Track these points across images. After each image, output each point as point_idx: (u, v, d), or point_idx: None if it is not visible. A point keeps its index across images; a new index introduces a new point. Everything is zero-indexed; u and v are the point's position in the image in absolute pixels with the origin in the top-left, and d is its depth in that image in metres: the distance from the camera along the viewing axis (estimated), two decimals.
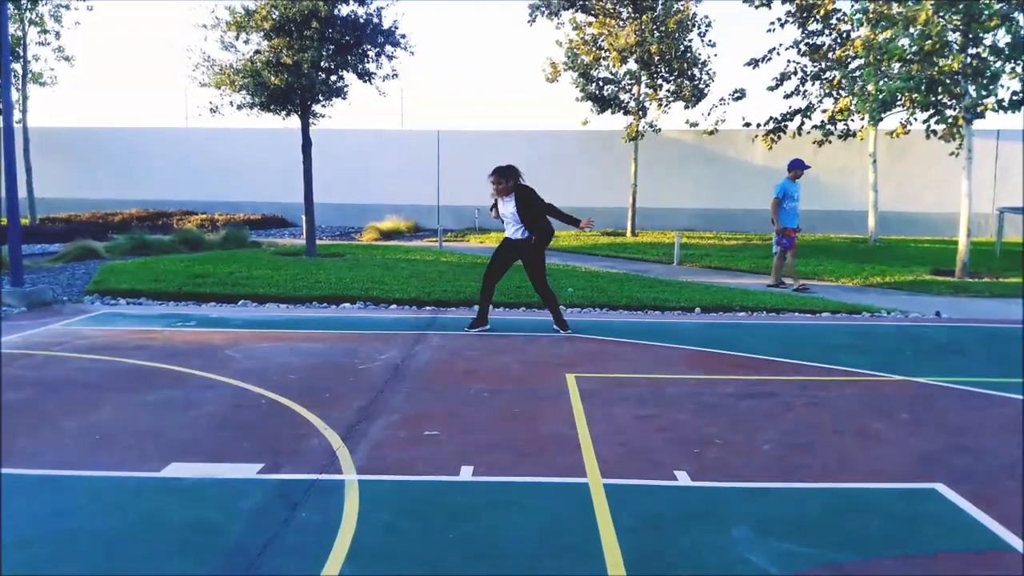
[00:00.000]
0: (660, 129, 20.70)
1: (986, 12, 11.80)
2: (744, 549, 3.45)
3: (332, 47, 13.97)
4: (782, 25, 18.82)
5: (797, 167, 12.24)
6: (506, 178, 8.15)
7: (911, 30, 12.28)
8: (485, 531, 3.63)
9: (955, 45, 12.47)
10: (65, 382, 6.20)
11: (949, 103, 13.79)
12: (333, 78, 14.45)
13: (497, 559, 3.35)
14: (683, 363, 7.13)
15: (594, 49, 20.16)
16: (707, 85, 20.09)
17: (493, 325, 8.55)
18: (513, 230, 8.26)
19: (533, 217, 8.16)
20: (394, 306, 10.01)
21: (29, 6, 18.92)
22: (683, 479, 4.27)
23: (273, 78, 13.40)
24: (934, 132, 15.41)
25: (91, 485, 4.15)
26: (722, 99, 20.20)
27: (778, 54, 19.18)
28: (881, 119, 16.44)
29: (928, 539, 3.59)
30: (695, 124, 20.48)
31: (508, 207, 8.20)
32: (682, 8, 19.34)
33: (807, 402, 5.84)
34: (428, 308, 9.90)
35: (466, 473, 4.33)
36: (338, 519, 3.71)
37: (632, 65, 19.91)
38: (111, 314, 9.31)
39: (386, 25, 14.31)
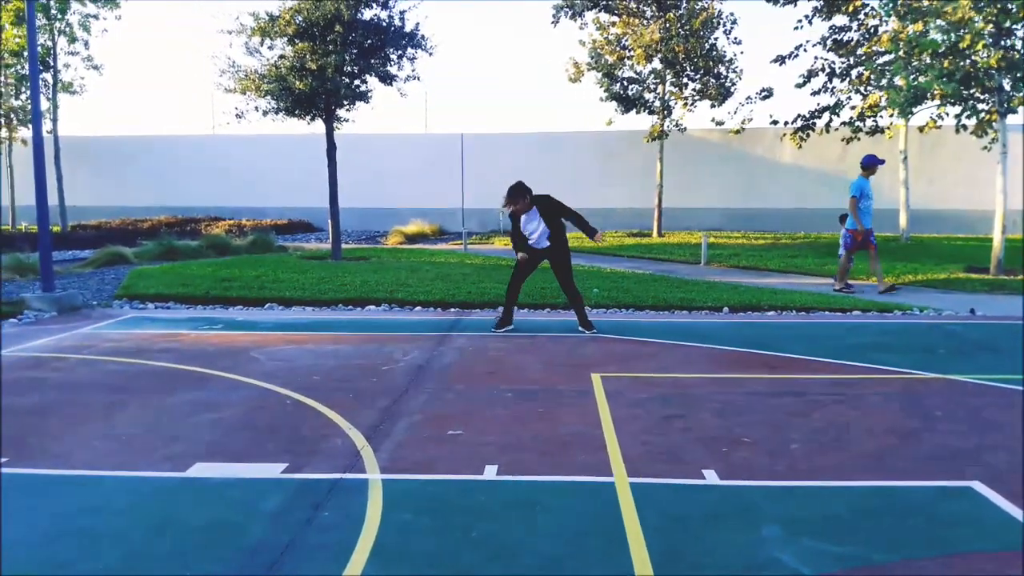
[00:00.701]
0: (686, 128, 20.55)
1: (1017, 4, 11.55)
2: (774, 548, 3.37)
3: (355, 51, 14.02)
4: (809, 21, 18.62)
5: (872, 163, 11.49)
6: (521, 196, 8.05)
7: (942, 22, 12.04)
8: (508, 531, 3.57)
9: (988, 39, 12.22)
10: (92, 385, 6.24)
11: (982, 98, 13.54)
12: (357, 82, 14.49)
13: (520, 559, 3.30)
14: (710, 362, 7.03)
15: (618, 49, 20.08)
16: (733, 83, 19.94)
17: (518, 326, 8.51)
18: (540, 239, 8.25)
19: (560, 225, 8.22)
20: (419, 308, 10.00)
21: (59, 16, 19.23)
22: (711, 478, 4.19)
23: (298, 83, 13.47)
24: (964, 127, 15.11)
25: (115, 485, 4.15)
26: (749, 98, 20.05)
27: (805, 51, 18.99)
28: (912, 114, 16.13)
29: (964, 538, 3.48)
30: (721, 123, 20.32)
31: (535, 224, 8.16)
32: (707, 6, 19.20)
33: (837, 400, 5.73)
34: (453, 310, 9.88)
35: (490, 472, 4.28)
36: (361, 519, 3.68)
37: (657, 64, 19.80)
38: (139, 318, 9.39)
39: (408, 28, 14.32)
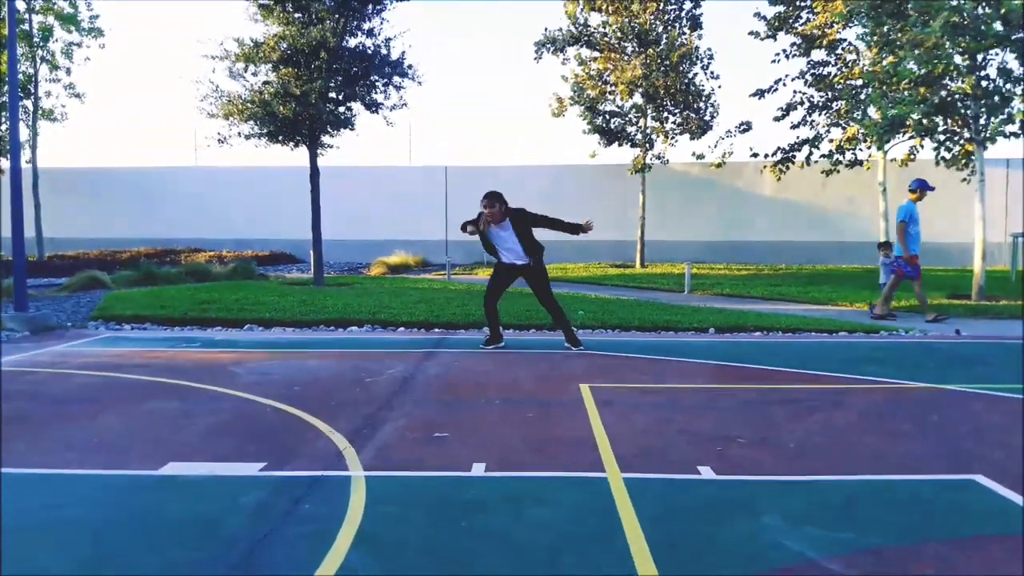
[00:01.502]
0: (668, 160, 20.69)
1: (990, 34, 11.74)
2: (778, 535, 3.23)
3: (340, 78, 14.02)
4: (787, 56, 18.91)
5: (921, 188, 11.01)
6: (497, 199, 7.96)
7: (917, 52, 12.21)
8: (500, 521, 3.42)
9: (963, 67, 12.41)
10: (64, 395, 6.03)
11: (958, 129, 13.71)
12: (341, 109, 14.48)
13: (513, 547, 3.14)
14: (700, 375, 6.92)
15: (599, 84, 20.26)
16: (712, 117, 20.12)
17: (503, 348, 8.36)
18: (512, 256, 8.11)
19: (533, 241, 8.08)
20: (402, 329, 9.84)
21: (41, 44, 19.16)
22: (706, 473, 4.06)
23: (281, 108, 13.42)
24: (944, 160, 15.28)
25: (84, 482, 3.96)
26: (728, 131, 20.23)
27: (784, 85, 19.23)
28: (887, 142, 16.31)
29: (970, 525, 3.37)
30: (701, 156, 20.46)
31: (506, 237, 8.02)
32: (685, 42, 19.45)
33: (832, 406, 5.63)
34: (437, 330, 9.72)
35: (478, 469, 4.12)
36: (343, 511, 3.51)
37: (638, 99, 19.98)
38: (115, 337, 9.16)
39: (394, 56, 14.36)
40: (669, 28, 19.65)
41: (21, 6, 18.14)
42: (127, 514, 3.51)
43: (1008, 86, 12.34)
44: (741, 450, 4.48)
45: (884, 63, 13.73)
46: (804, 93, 19.03)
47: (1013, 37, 11.85)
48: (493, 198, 7.96)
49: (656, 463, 4.25)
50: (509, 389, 6.22)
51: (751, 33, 18.97)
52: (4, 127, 18.99)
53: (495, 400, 5.80)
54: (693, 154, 20.40)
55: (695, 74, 19.98)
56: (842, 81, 17.97)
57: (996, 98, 12.37)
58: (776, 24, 18.60)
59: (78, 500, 3.70)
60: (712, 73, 20.14)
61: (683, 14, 19.91)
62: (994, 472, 4.03)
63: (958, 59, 12.40)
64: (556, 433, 4.87)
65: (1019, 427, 5.01)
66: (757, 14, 18.96)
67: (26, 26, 18.53)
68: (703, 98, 20.04)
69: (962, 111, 12.95)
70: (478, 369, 7.12)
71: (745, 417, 5.28)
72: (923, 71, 12.42)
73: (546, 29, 20.74)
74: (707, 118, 20.10)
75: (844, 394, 6.06)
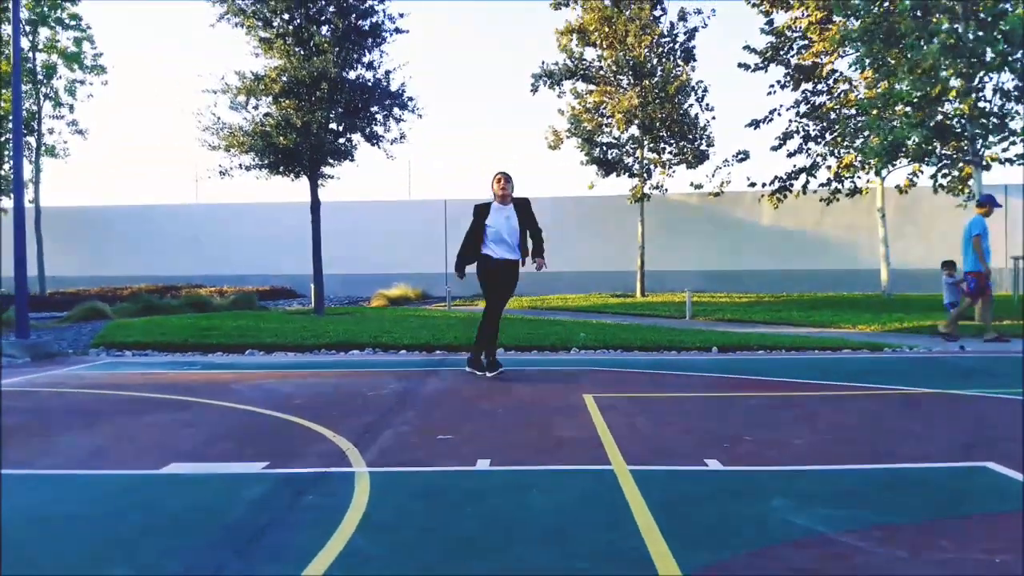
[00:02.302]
0: (667, 190, 20.80)
1: (992, 53, 11.87)
2: (787, 514, 3.18)
3: (341, 109, 14.17)
4: (782, 87, 19.13)
5: (989, 202, 10.79)
6: (511, 182, 7.48)
7: (913, 76, 12.34)
8: (505, 508, 3.37)
9: (959, 89, 12.53)
10: (64, 408, 5.99)
11: (955, 155, 13.83)
12: (342, 140, 14.60)
13: (519, 530, 3.08)
14: (704, 385, 6.88)
15: (596, 116, 20.45)
16: (707, 147, 20.24)
17: (506, 365, 8.30)
18: (503, 249, 7.43)
19: (527, 238, 7.53)
20: (403, 352, 9.80)
21: (44, 81, 19.39)
22: (714, 465, 4.01)
23: (282, 139, 13.53)
24: (942, 186, 15.37)
25: (84, 481, 3.91)
26: (726, 161, 20.36)
27: (779, 115, 19.42)
28: (889, 169, 16.38)
29: (982, 505, 3.32)
30: (699, 186, 20.59)
31: (506, 220, 7.40)
32: (679, 74, 19.67)
33: (839, 410, 5.59)
34: (439, 352, 9.68)
35: (483, 464, 4.07)
36: (347, 502, 3.45)
37: (635, 130, 20.15)
38: (116, 363, 9.13)
39: (394, 88, 14.52)
40: (664, 60, 19.90)
41: (25, 44, 18.41)
42: (127, 508, 3.46)
43: (1009, 105, 12.45)
44: (748, 447, 4.43)
45: (879, 88, 13.90)
46: (799, 122, 19.21)
47: (1011, 57, 11.99)
48: (509, 177, 7.49)
49: (662, 458, 4.20)
50: (512, 400, 6.17)
51: (741, 65, 19.22)
52: (7, 166, 19.14)
53: (498, 409, 5.75)
54: (691, 184, 20.54)
55: (690, 105, 20.17)
56: (835, 109, 18.16)
57: (994, 119, 12.48)
58: (768, 55, 18.86)
59: (78, 497, 3.65)
60: (706, 105, 20.34)
61: (677, 47, 20.17)
62: (1004, 459, 3.98)
63: (955, 81, 12.53)
64: (560, 434, 4.82)
65: None
66: (747, 47, 19.23)
67: (30, 64, 18.77)
68: (698, 129, 20.21)
69: (960, 133, 13.06)
70: (481, 384, 7.08)
71: (751, 419, 5.24)
72: (920, 93, 12.54)
73: (543, 63, 21.01)
74: (703, 148, 20.24)
75: (851, 400, 6.02)
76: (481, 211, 7.56)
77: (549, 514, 3.26)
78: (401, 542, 2.96)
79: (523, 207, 7.59)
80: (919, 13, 12.46)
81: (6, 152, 19.09)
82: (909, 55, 12.28)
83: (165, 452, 4.46)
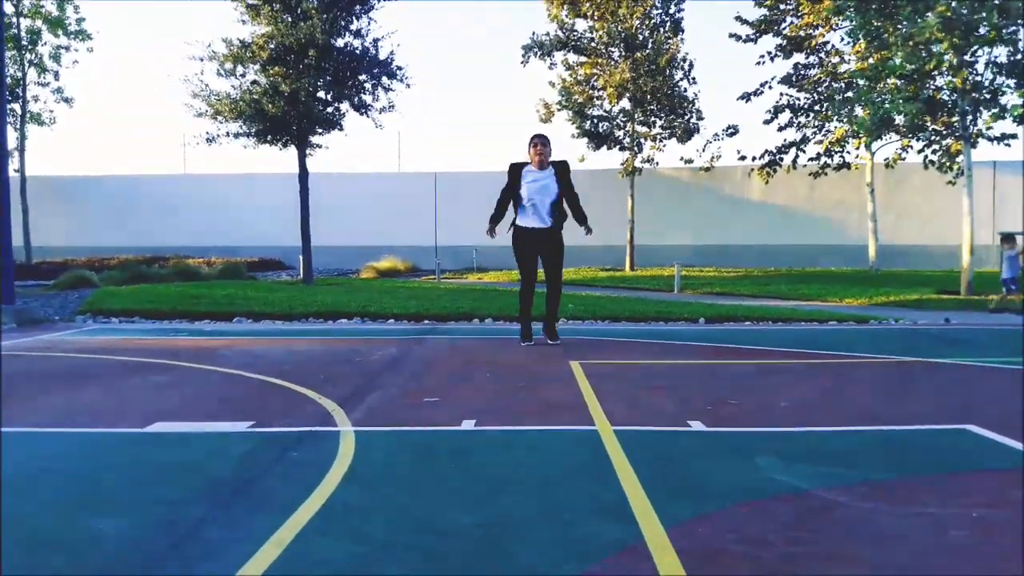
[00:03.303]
0: (657, 163, 20.76)
1: (985, 27, 11.81)
2: (771, 472, 3.21)
3: (329, 77, 14.04)
4: (771, 59, 19.06)
5: None
6: (544, 142, 7.11)
7: (908, 48, 12.26)
8: (490, 464, 3.38)
9: (953, 63, 12.47)
10: (49, 371, 5.97)
11: (944, 131, 13.82)
12: (330, 109, 14.48)
13: (503, 484, 3.10)
14: (691, 352, 6.92)
15: (587, 89, 20.34)
16: (697, 121, 20.17)
17: (494, 334, 8.32)
18: (534, 218, 7.12)
19: (562, 204, 7.17)
20: (392, 320, 9.79)
21: (29, 47, 19.13)
22: (697, 427, 4.03)
23: (270, 106, 13.41)
24: (932, 163, 15.37)
25: (68, 439, 3.90)
26: (716, 135, 20.31)
27: (770, 88, 19.37)
28: (877, 140, 16.33)
29: (964, 463, 3.36)
30: (690, 161, 20.56)
31: (545, 185, 7.06)
32: (670, 46, 19.55)
33: (825, 376, 5.63)
34: (427, 321, 9.68)
35: (468, 424, 4.09)
36: (332, 457, 3.46)
37: (626, 103, 20.07)
38: (103, 328, 9.09)
39: (382, 56, 14.39)
40: (655, 32, 19.78)
41: (9, 9, 18.12)
42: (113, 463, 3.46)
43: (1000, 80, 12.42)
44: (733, 409, 4.46)
45: (871, 60, 13.86)
46: (790, 95, 19.17)
47: (1006, 31, 11.94)
48: (547, 141, 7.15)
49: (646, 420, 4.22)
50: (499, 365, 6.18)
51: (732, 36, 19.13)
52: None
53: (485, 373, 5.76)
54: (681, 158, 20.51)
55: (680, 79, 20.08)
56: (825, 80, 18.12)
57: (986, 93, 12.46)
58: (760, 27, 18.77)
59: (61, 453, 3.64)
60: (692, 78, 20.21)
61: (667, 18, 20.04)
62: (986, 422, 4.01)
63: (948, 55, 12.47)
64: (546, 397, 4.84)
65: (1008, 389, 5.00)
66: (738, 17, 19.13)
67: (14, 30, 18.50)
68: (688, 103, 20.13)
69: (951, 108, 13.04)
70: (469, 350, 7.09)
71: (736, 385, 5.26)
72: (913, 66, 12.48)
73: (533, 34, 20.86)
74: (693, 122, 20.18)
75: (837, 367, 6.05)
76: (514, 171, 7.21)
77: (533, 469, 3.28)
78: (385, 494, 2.97)
79: (563, 171, 7.18)
80: None
81: None
82: (904, 25, 12.21)
83: (150, 412, 4.45)
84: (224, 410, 4.54)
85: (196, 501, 2.89)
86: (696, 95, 20.26)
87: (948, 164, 16.09)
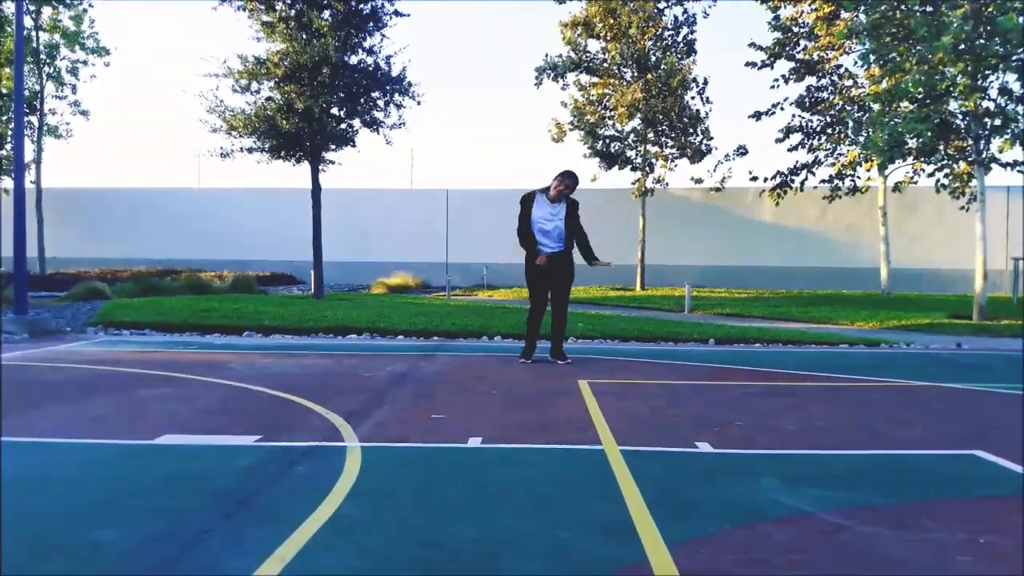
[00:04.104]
0: (668, 184, 20.78)
1: (989, 55, 11.81)
2: (774, 494, 3.20)
3: (342, 94, 14.16)
4: (786, 81, 19.10)
5: None
6: (571, 183, 7.36)
7: (922, 71, 12.25)
8: (494, 481, 3.39)
9: (966, 86, 12.45)
10: (59, 381, 6.01)
11: (956, 156, 13.80)
12: (343, 125, 14.59)
13: (507, 501, 3.10)
14: (699, 373, 6.90)
15: (599, 109, 20.41)
16: (708, 142, 20.16)
17: (503, 352, 8.32)
18: (549, 242, 7.35)
19: (571, 234, 7.45)
20: (401, 337, 9.81)
21: (47, 61, 19.38)
22: (704, 448, 4.02)
23: (284, 122, 13.53)
24: (944, 186, 15.34)
25: (77, 449, 3.93)
26: (727, 156, 20.29)
27: (782, 109, 19.38)
28: (891, 163, 16.25)
29: (969, 489, 3.33)
30: (700, 180, 20.54)
31: (552, 217, 7.33)
32: (681, 67, 19.60)
33: (831, 398, 5.60)
34: (436, 338, 9.70)
35: (474, 442, 4.09)
36: (338, 473, 3.47)
37: (637, 123, 20.11)
38: (113, 341, 9.15)
39: (394, 73, 14.50)
40: (667, 53, 19.85)
41: (28, 22, 18.38)
42: (120, 473, 3.48)
43: (1011, 106, 12.39)
44: (739, 431, 4.45)
45: (884, 84, 13.86)
46: (802, 117, 19.18)
47: (1012, 58, 11.93)
48: (573, 178, 7.40)
49: (653, 440, 4.21)
50: (507, 383, 6.19)
51: (748, 64, 19.19)
52: (9, 146, 19.13)
53: (493, 391, 5.77)
54: (692, 178, 20.51)
55: (692, 98, 20.11)
56: (838, 105, 18.14)
57: (998, 119, 12.43)
58: (775, 51, 18.81)
59: (70, 462, 3.67)
60: (706, 98, 20.25)
61: (679, 39, 20.12)
62: (995, 448, 3.99)
63: (961, 79, 12.45)
64: (553, 416, 4.84)
65: (1019, 415, 4.97)
66: (752, 44, 19.18)
67: (33, 44, 18.75)
68: (699, 123, 20.14)
69: (964, 132, 13.01)
70: (477, 367, 7.10)
71: (744, 406, 5.25)
72: (926, 89, 12.45)
73: (547, 55, 20.96)
74: (706, 142, 20.17)
75: (844, 390, 6.03)
76: (527, 201, 7.42)
77: (537, 487, 3.28)
78: (389, 509, 2.98)
79: (571, 208, 7.43)
80: (929, 8, 12.43)
81: (10, 133, 19.09)
82: (919, 48, 12.21)
83: (158, 424, 4.48)
84: (232, 423, 4.56)
85: (201, 513, 2.90)
86: (707, 114, 20.30)
87: (961, 189, 16.06)
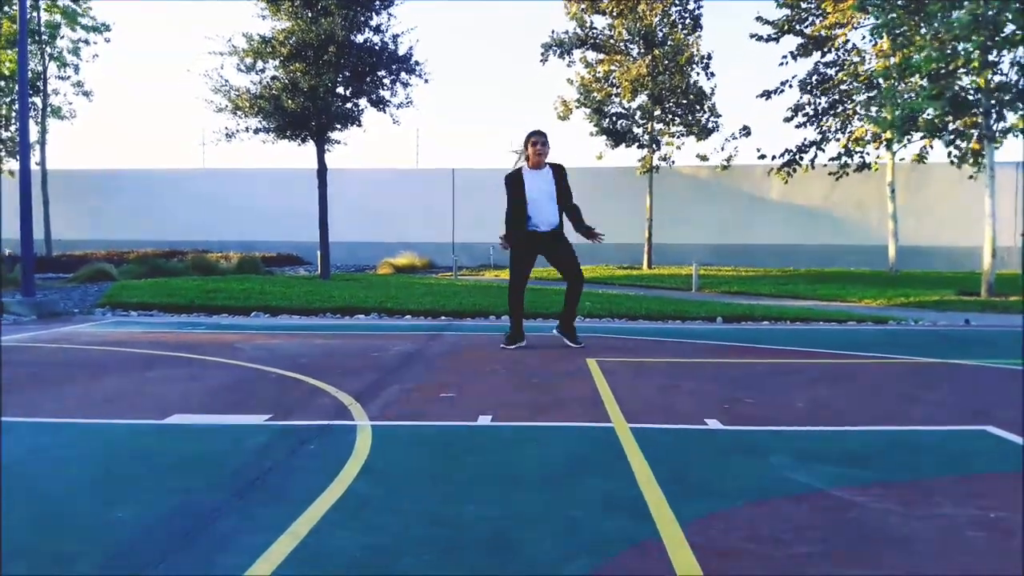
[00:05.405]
0: (674, 162, 20.68)
1: (1013, 27, 11.64)
2: (785, 471, 3.20)
3: (348, 73, 14.08)
4: (794, 58, 18.94)
5: None
6: (546, 141, 6.71)
7: (934, 46, 12.11)
8: (505, 458, 3.39)
9: (978, 62, 12.32)
10: (67, 361, 6.03)
11: (967, 130, 13.67)
12: (349, 104, 14.52)
13: (519, 477, 3.10)
14: (707, 351, 6.89)
15: (605, 86, 20.28)
16: (715, 119, 20.03)
17: (504, 331, 8.30)
18: (540, 220, 6.78)
19: (566, 202, 6.86)
20: (408, 317, 9.81)
21: (49, 41, 19.29)
22: (714, 424, 4.02)
23: (290, 102, 13.47)
24: (958, 158, 15.23)
25: (86, 429, 3.94)
26: (733, 135, 20.17)
27: (790, 86, 19.24)
28: (902, 140, 16.10)
29: (981, 465, 3.33)
30: (705, 158, 20.43)
31: (542, 189, 6.74)
32: (688, 43, 19.45)
33: (843, 376, 5.59)
34: (443, 317, 9.70)
35: (484, 420, 4.09)
36: (348, 451, 3.48)
37: (643, 99, 19.99)
38: (121, 322, 9.18)
39: (401, 52, 14.41)
40: (674, 29, 19.69)
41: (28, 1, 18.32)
42: (130, 452, 3.50)
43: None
44: (749, 408, 4.44)
45: (893, 59, 13.72)
46: (811, 94, 19.04)
47: None
48: (546, 140, 6.74)
49: (662, 417, 4.22)
50: (516, 362, 6.19)
51: (753, 36, 19.02)
52: (14, 128, 19.10)
53: (501, 370, 5.77)
54: (698, 155, 20.39)
55: (698, 74, 19.97)
56: (847, 81, 17.98)
57: (1010, 94, 12.30)
58: (782, 27, 18.65)
59: (80, 442, 3.68)
60: (710, 72, 20.07)
61: (686, 14, 19.95)
62: (1004, 424, 3.98)
63: (974, 53, 12.31)
64: (562, 394, 4.84)
65: None
66: (759, 17, 19.00)
67: (35, 24, 18.68)
68: (705, 100, 19.99)
69: (975, 107, 12.88)
70: (485, 347, 7.09)
71: (753, 383, 5.24)
72: (938, 65, 12.32)
73: (552, 32, 20.84)
74: (712, 119, 20.05)
75: (855, 368, 6.01)
76: (515, 181, 6.81)
77: (547, 465, 3.28)
78: (401, 487, 2.99)
79: (560, 174, 6.85)
80: None
81: (14, 115, 19.06)
82: (935, 24, 12.07)
83: (168, 404, 4.49)
84: (241, 403, 4.57)
85: (212, 492, 2.92)
86: (713, 89, 20.14)
87: (972, 161, 15.94)
